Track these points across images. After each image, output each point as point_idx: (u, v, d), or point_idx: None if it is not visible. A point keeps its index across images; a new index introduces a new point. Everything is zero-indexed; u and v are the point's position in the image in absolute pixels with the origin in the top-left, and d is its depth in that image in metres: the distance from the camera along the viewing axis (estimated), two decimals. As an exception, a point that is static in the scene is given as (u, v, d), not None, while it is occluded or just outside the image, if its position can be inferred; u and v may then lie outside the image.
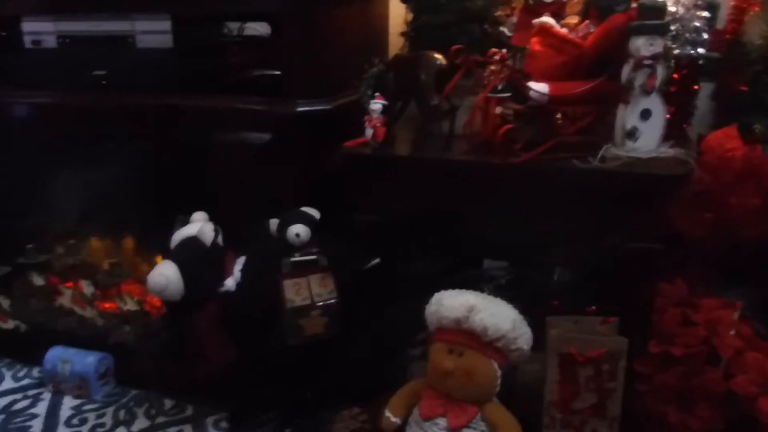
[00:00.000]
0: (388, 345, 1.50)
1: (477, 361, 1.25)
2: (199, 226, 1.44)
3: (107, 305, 1.71)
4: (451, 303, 1.28)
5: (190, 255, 1.41)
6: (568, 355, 1.27)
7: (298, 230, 1.41)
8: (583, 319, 1.33)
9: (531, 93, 1.36)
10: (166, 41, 1.65)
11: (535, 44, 1.45)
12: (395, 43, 1.86)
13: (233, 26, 1.95)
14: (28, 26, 1.77)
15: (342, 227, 1.45)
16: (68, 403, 1.74)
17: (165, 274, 1.38)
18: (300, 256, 1.41)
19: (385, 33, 1.85)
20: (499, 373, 1.25)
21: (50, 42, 1.76)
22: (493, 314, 1.25)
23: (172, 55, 1.64)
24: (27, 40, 1.78)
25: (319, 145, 1.53)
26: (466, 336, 1.26)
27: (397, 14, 1.85)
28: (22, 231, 1.93)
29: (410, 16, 1.66)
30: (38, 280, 1.79)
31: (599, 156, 1.31)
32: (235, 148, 1.56)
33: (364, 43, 1.72)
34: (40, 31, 1.77)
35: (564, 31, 1.46)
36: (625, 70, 1.33)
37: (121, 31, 1.69)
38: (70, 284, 1.77)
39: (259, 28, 1.97)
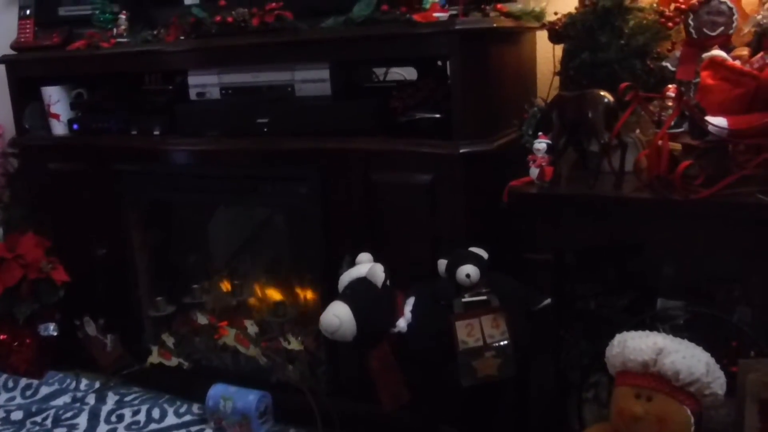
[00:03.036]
0: (560, 387, 1.46)
1: (669, 406, 1.20)
2: (369, 266, 1.46)
3: (270, 344, 1.76)
4: (638, 345, 1.24)
5: (362, 296, 1.43)
6: (769, 401, 1.20)
7: (468, 271, 1.41)
8: (779, 363, 1.26)
9: (710, 128, 1.32)
10: (324, 89, 1.72)
11: (707, 78, 1.41)
12: (542, 82, 1.87)
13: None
14: (193, 80, 1.90)
15: (511, 267, 1.44)
16: (231, 439, 1.80)
17: (338, 315, 1.41)
18: (470, 296, 1.41)
19: (533, 73, 1.86)
20: (692, 420, 1.20)
21: (213, 93, 1.88)
22: (685, 357, 1.21)
23: (331, 102, 1.71)
24: (192, 93, 1.90)
25: (481, 186, 1.53)
26: (654, 380, 1.22)
27: (543, 54, 1.86)
28: (187, 271, 2.03)
29: (563, 56, 1.66)
30: (202, 319, 1.86)
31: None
32: (397, 189, 1.59)
33: (517, 83, 1.73)
34: (204, 83, 1.88)
35: (737, 63, 1.42)
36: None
37: (282, 81, 1.78)
38: (233, 323, 1.83)
39: (403, 73, 2.03)
